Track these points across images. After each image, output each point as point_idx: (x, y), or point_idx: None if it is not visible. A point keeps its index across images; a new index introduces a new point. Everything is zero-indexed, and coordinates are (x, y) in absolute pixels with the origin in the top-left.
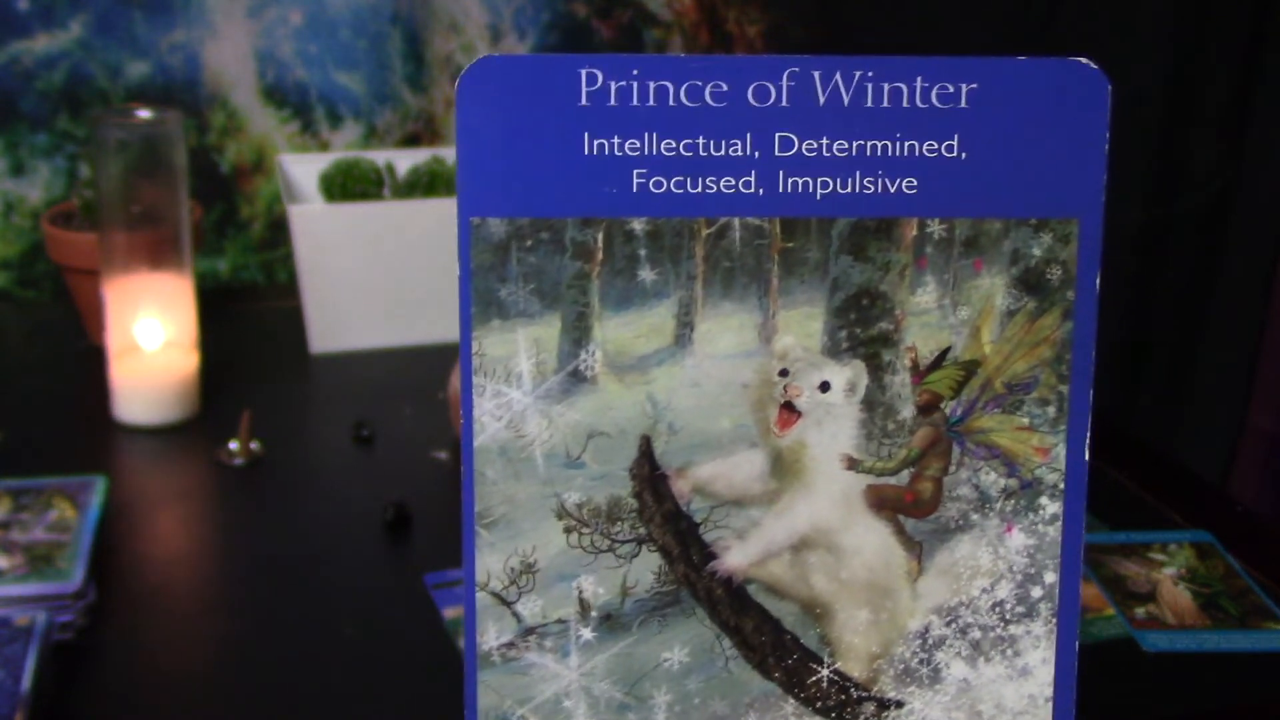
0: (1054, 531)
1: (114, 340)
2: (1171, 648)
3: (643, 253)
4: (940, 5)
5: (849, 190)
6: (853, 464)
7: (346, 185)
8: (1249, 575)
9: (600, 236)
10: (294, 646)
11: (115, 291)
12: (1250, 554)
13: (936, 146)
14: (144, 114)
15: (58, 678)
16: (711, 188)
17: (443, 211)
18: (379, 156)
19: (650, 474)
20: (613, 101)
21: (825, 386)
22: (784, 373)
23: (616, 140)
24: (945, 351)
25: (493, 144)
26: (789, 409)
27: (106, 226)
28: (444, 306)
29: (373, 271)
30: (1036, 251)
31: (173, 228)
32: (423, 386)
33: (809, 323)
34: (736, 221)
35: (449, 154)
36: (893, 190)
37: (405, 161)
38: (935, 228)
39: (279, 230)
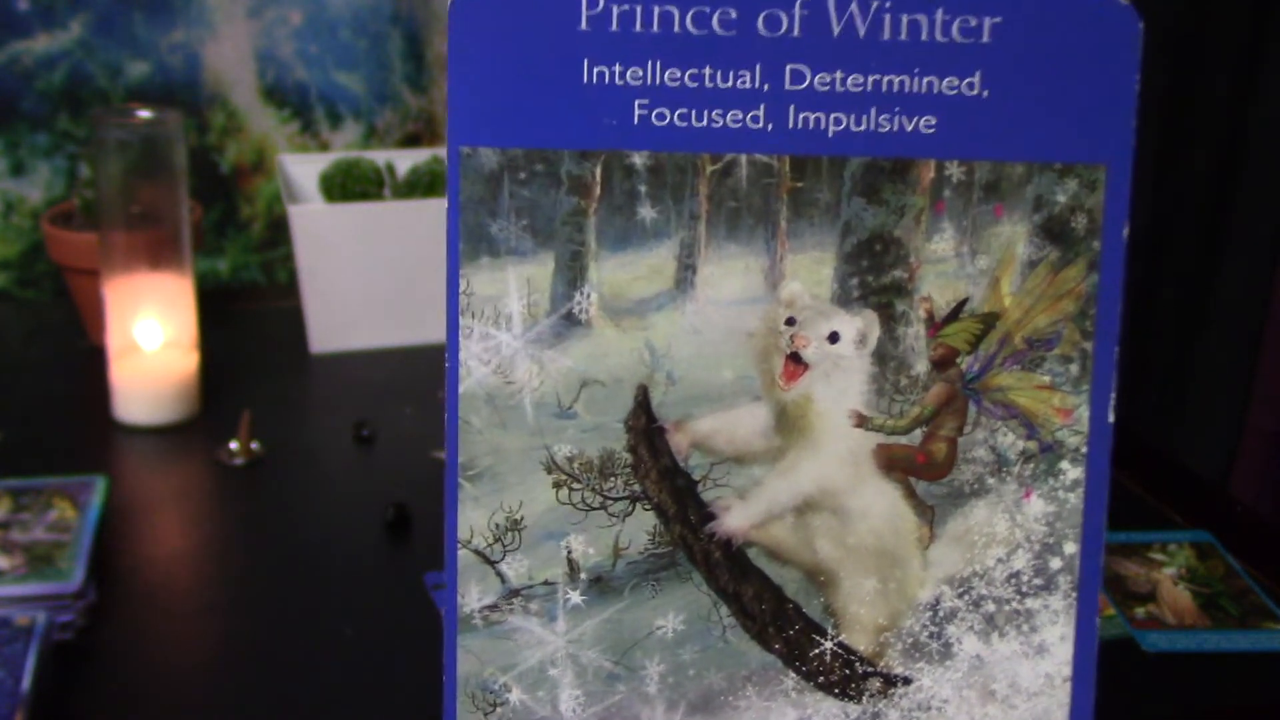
0: (1075, 498)
1: (114, 340)
2: (1171, 648)
3: (643, 189)
4: None
5: (863, 128)
6: (862, 421)
7: (346, 185)
8: (1249, 575)
9: (598, 170)
10: (294, 646)
11: (115, 291)
12: (1250, 554)
13: (957, 83)
14: (144, 114)
15: (58, 678)
16: (718, 121)
17: (443, 211)
18: (379, 156)
19: (646, 426)
20: (614, 27)
21: (834, 337)
22: (791, 321)
23: (617, 68)
24: (962, 303)
25: (486, 69)
26: (795, 360)
27: (106, 226)
28: (444, 306)
29: (373, 271)
30: (1061, 198)
31: (173, 228)
32: (423, 386)
33: (818, 268)
34: (743, 158)
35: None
36: (909, 129)
37: (405, 161)
38: (954, 170)
39: (279, 230)
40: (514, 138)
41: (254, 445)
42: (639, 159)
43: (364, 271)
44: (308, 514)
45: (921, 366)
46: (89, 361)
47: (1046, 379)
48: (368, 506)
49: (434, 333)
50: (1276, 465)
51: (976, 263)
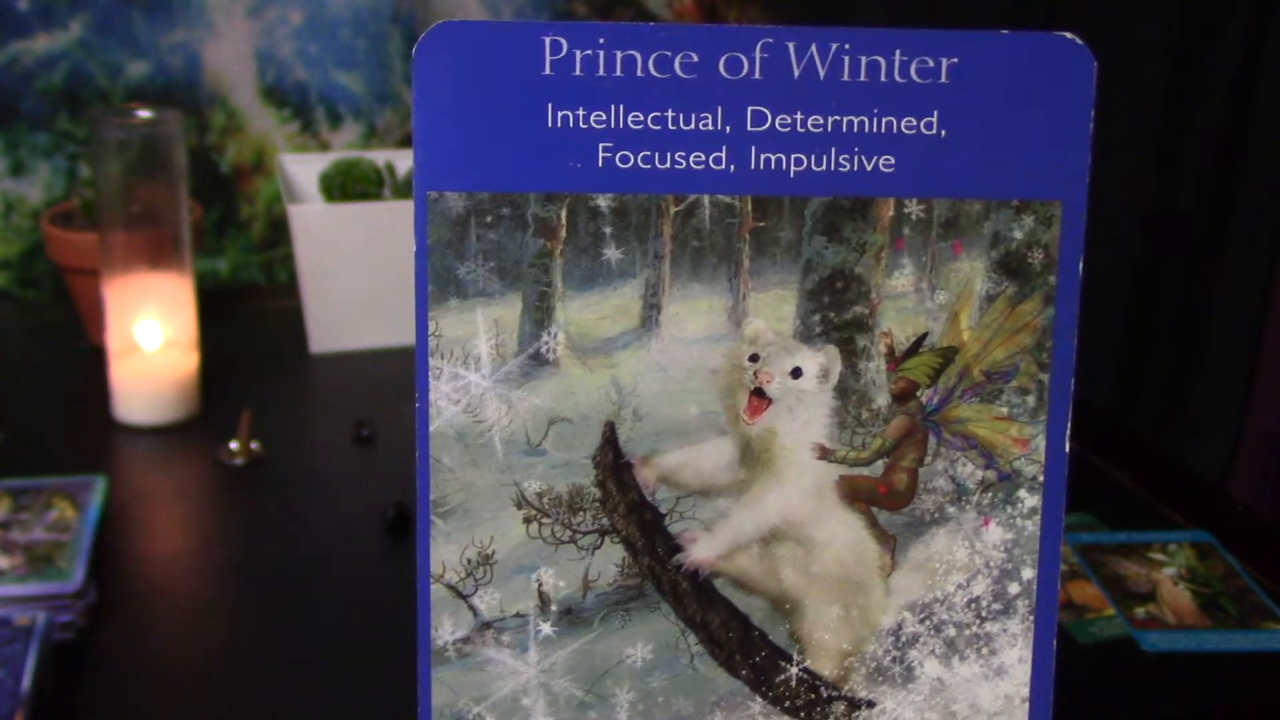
0: (1032, 525)
1: (114, 340)
2: (1171, 648)
3: (608, 230)
4: (941, 3)
5: (824, 168)
6: (825, 453)
7: (346, 185)
8: (1249, 575)
9: (564, 213)
10: (294, 646)
11: (115, 291)
12: (1250, 554)
13: (915, 123)
14: (144, 114)
15: (58, 678)
16: (680, 163)
17: None
18: (379, 156)
19: (614, 462)
20: (578, 71)
21: (797, 373)
22: (754, 358)
23: (581, 112)
24: (922, 337)
25: (452, 114)
26: (759, 396)
27: (106, 226)
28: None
29: (373, 271)
30: (1018, 234)
31: (173, 228)
32: None
33: (781, 306)
34: (706, 199)
35: None
36: (869, 168)
37: (405, 161)
38: (913, 208)
39: (279, 230)
40: (480, 182)
41: (254, 445)
42: (604, 201)
43: (364, 271)
44: (308, 514)
45: (883, 400)
46: (89, 361)
47: (1004, 410)
48: (368, 506)
49: None
50: (1276, 465)
51: (936, 298)
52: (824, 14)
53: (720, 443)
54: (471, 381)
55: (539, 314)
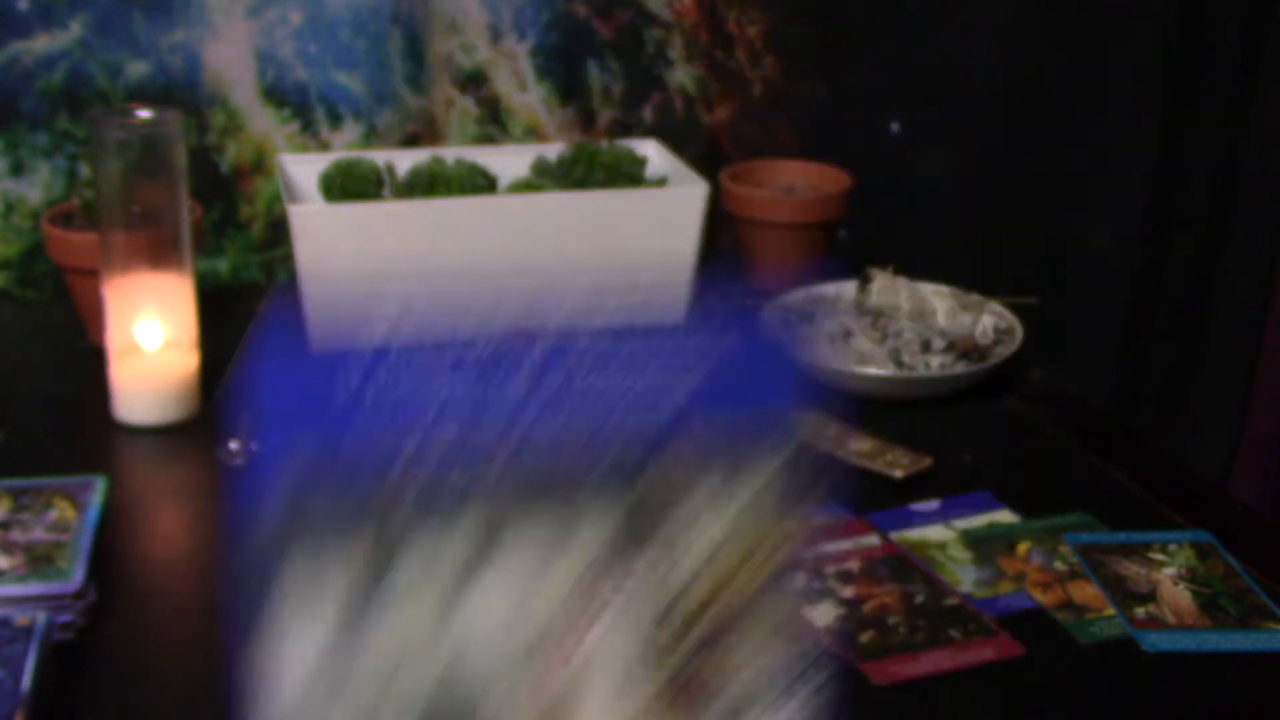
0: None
1: (114, 340)
2: (1171, 648)
3: (437, 485)
4: (939, 3)
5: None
6: (632, 673)
7: (346, 185)
8: (1249, 575)
9: (398, 468)
10: None
11: (115, 291)
12: (1250, 554)
13: None
14: (144, 114)
15: (58, 678)
16: (502, 421)
17: (443, 212)
18: (379, 156)
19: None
20: (402, 350)
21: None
22: (576, 591)
23: (412, 379)
24: (719, 547)
25: (291, 385)
26: (576, 631)
27: (106, 226)
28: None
29: (373, 272)
30: None
31: (173, 228)
32: None
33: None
34: (525, 452)
35: (449, 154)
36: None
37: (405, 161)
38: None
39: (279, 230)
40: (318, 443)
41: (254, 445)
42: (430, 456)
43: (364, 271)
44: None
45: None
46: (89, 361)
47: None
48: None
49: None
50: (1276, 465)
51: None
52: (823, 14)
53: (547, 678)
54: (312, 629)
55: (384, 555)
